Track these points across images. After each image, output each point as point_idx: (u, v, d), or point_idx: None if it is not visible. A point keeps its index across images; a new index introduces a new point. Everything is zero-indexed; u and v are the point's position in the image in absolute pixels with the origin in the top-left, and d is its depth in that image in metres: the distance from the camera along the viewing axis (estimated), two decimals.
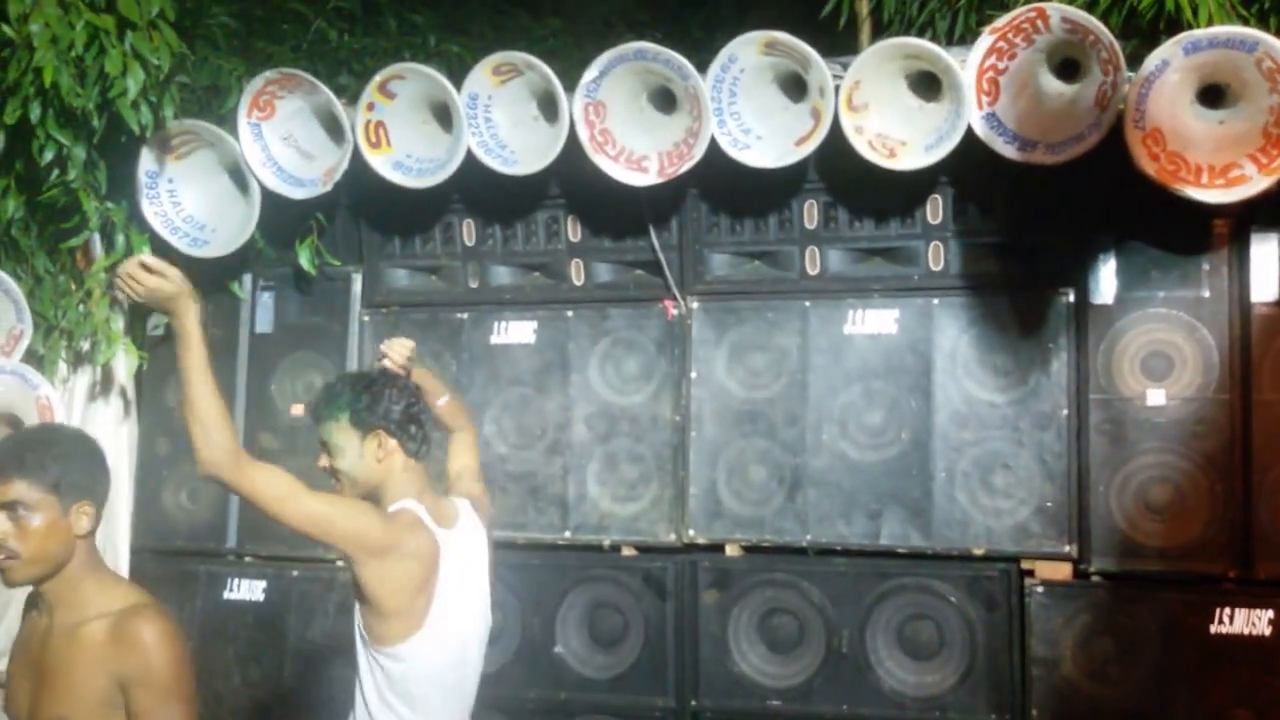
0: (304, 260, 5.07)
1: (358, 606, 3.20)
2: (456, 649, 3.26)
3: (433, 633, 3.16)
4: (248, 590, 5.12)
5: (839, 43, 4.75)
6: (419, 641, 3.13)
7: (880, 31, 5.59)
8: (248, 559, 5.18)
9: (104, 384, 5.21)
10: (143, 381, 5.38)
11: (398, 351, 3.60)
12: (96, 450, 2.91)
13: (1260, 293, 4.30)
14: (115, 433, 5.22)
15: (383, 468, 3.19)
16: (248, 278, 5.31)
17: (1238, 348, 4.33)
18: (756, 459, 4.74)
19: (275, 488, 2.97)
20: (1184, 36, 3.93)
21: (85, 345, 5.11)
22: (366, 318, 5.16)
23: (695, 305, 4.83)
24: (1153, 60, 3.95)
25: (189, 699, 2.73)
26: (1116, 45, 3.96)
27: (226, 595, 5.13)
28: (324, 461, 3.23)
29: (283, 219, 5.05)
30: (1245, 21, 4.41)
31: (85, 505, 2.76)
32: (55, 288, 5.02)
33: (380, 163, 4.72)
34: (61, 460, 2.75)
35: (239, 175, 4.96)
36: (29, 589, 2.82)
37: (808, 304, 4.72)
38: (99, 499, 2.82)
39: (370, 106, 4.67)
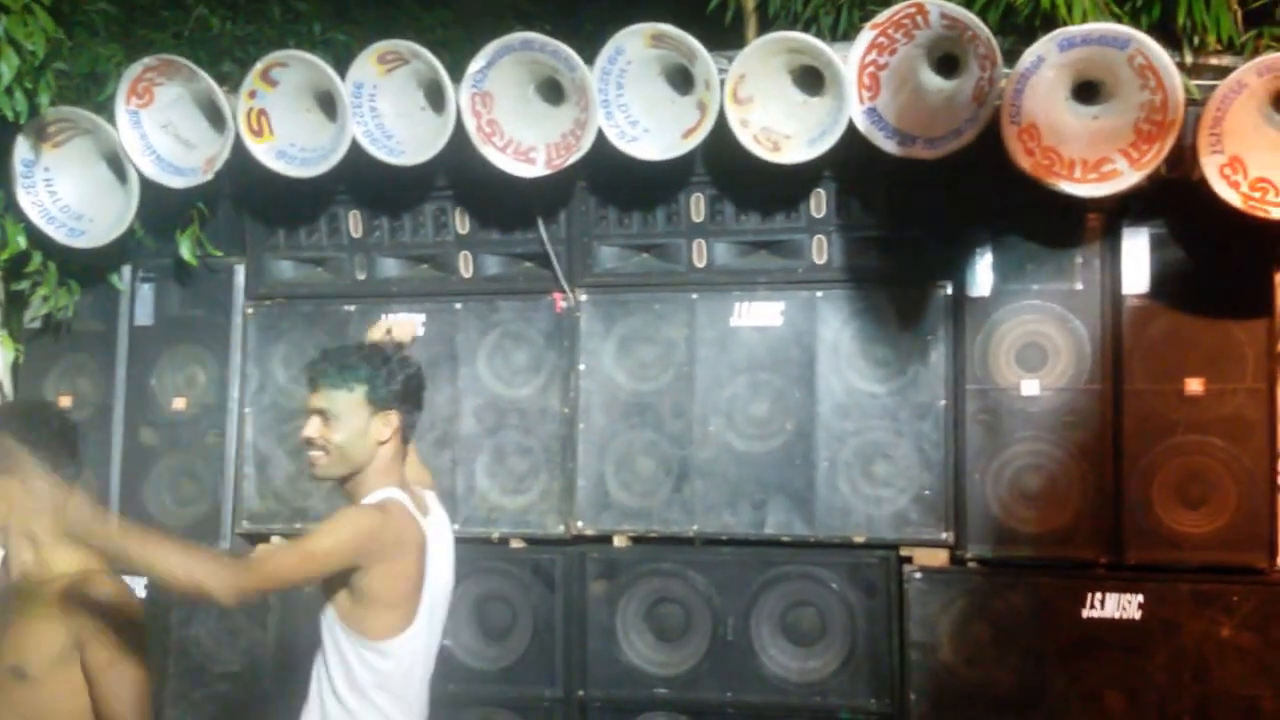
0: (185, 251, 5.03)
1: (336, 607, 3.01)
2: (435, 639, 3.20)
3: (421, 624, 3.07)
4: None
5: (726, 37, 4.81)
6: (410, 634, 3.04)
7: (766, 26, 5.66)
8: None
9: None
10: (19, 374, 5.33)
11: (406, 331, 3.47)
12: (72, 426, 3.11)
13: (1131, 285, 4.44)
14: None
15: (379, 448, 3.05)
16: (127, 269, 5.26)
17: (1109, 339, 4.46)
18: (644, 451, 4.79)
19: (289, 562, 2.91)
20: (1059, 33, 4.04)
21: None
22: (250, 310, 5.13)
23: (584, 298, 4.87)
24: (1028, 56, 4.05)
25: (142, 658, 2.87)
26: (993, 41, 4.05)
27: None
28: (314, 430, 3.03)
29: (163, 209, 5.00)
30: (1118, 19, 4.53)
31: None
32: None
33: (262, 151, 4.68)
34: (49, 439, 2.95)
35: (118, 164, 4.91)
36: None
37: (695, 296, 4.79)
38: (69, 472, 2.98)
39: (252, 94, 4.64)
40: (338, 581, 2.97)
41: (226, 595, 2.71)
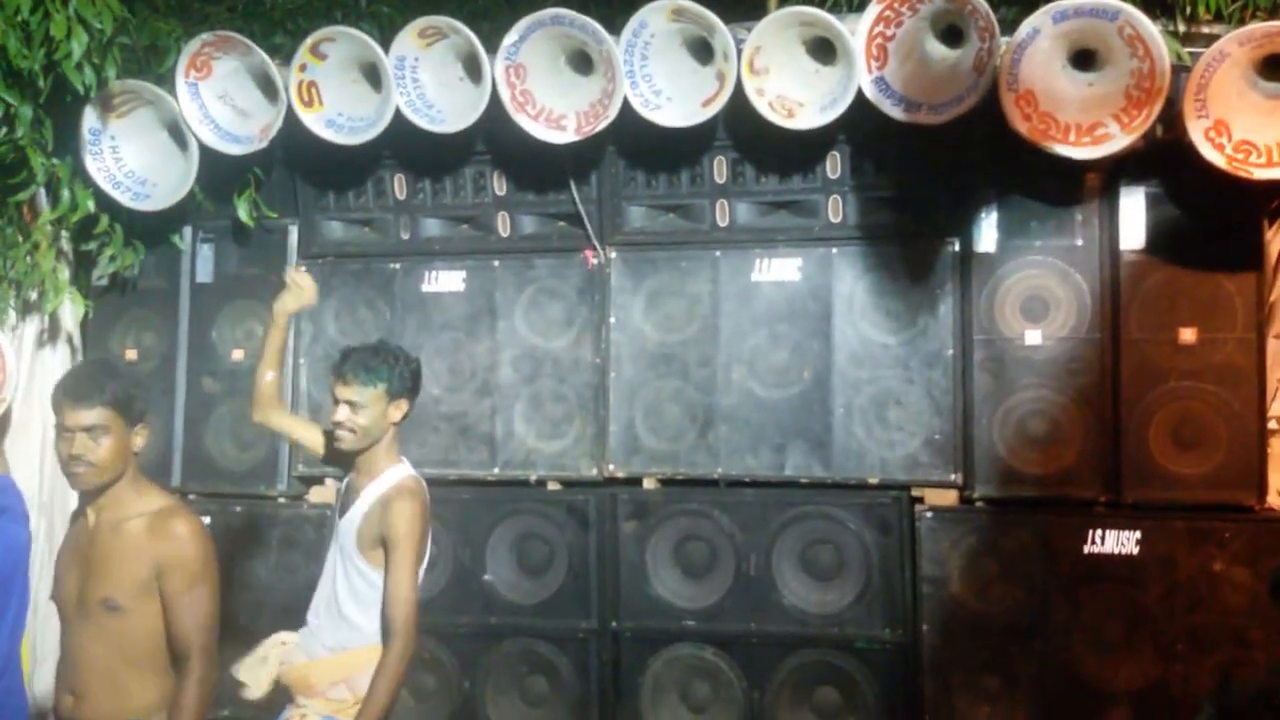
0: (242, 213, 5.22)
1: (371, 553, 3.61)
2: None
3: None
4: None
5: (747, 9, 4.92)
6: (421, 568, 3.67)
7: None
8: (191, 496, 5.32)
9: (51, 331, 5.33)
10: (88, 328, 5.51)
11: (308, 287, 4.10)
12: (143, 381, 3.46)
13: (1128, 241, 4.59)
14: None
15: (390, 426, 3.71)
16: (188, 230, 5.45)
17: (1108, 291, 4.61)
18: (671, 398, 4.98)
19: (408, 577, 3.53)
20: (1052, 6, 4.19)
21: (33, 295, 5.21)
22: (303, 268, 5.23)
23: (614, 255, 5.05)
24: (1025, 27, 4.22)
25: (214, 584, 3.19)
26: (991, 14, 4.21)
27: None
28: (343, 415, 3.65)
29: (221, 173, 5.19)
30: None
31: (142, 428, 3.23)
32: (3, 240, 5.09)
33: (313, 120, 4.88)
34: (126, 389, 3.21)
35: (178, 132, 5.10)
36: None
37: (718, 254, 4.96)
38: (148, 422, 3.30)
39: (303, 67, 4.83)
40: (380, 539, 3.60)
41: (414, 647, 3.50)
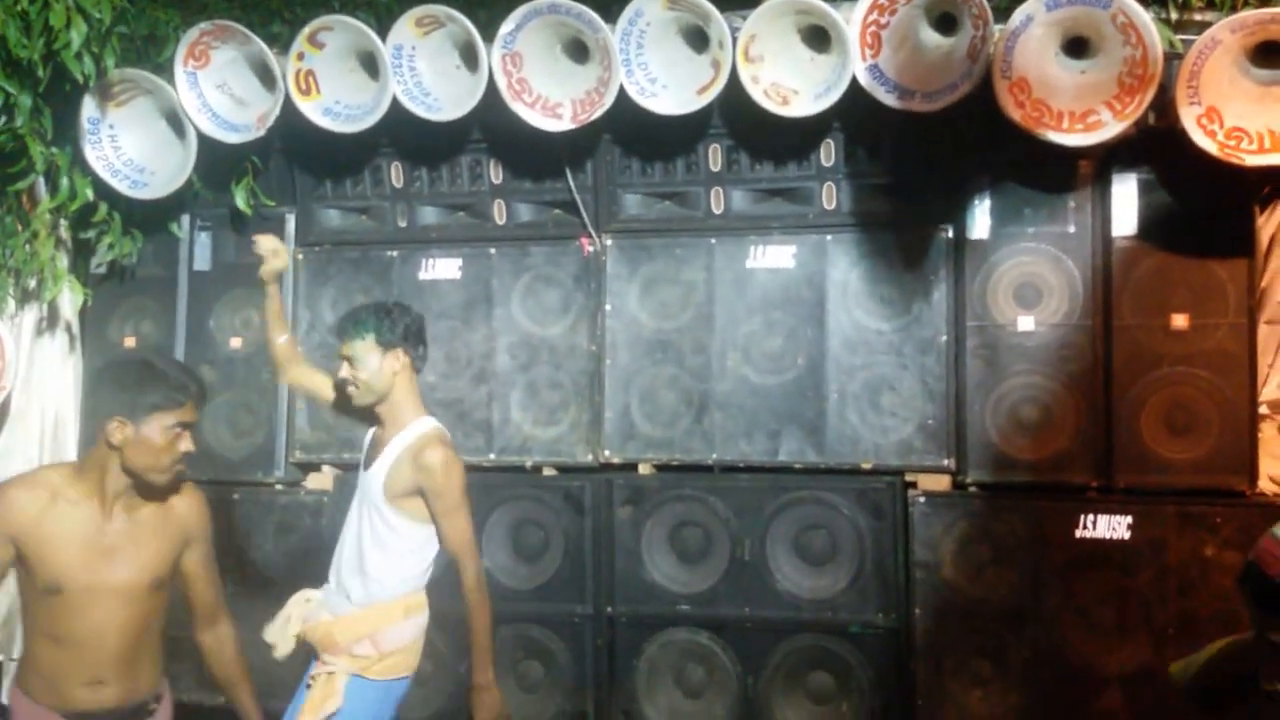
0: (240, 201, 5.24)
1: (403, 503, 3.73)
2: None
3: None
4: None
5: None
6: None
7: None
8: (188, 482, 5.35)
9: (50, 320, 5.36)
10: (87, 317, 5.53)
11: (269, 247, 4.13)
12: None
13: (1120, 227, 4.61)
14: (61, 365, 5.40)
15: (394, 379, 3.77)
16: (186, 218, 5.48)
17: (1100, 278, 4.64)
18: (666, 384, 5.01)
19: (463, 522, 3.73)
20: None
21: (32, 283, 5.24)
22: (300, 255, 5.36)
23: (609, 243, 5.08)
24: (1018, 15, 4.23)
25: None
26: (985, 1, 4.22)
27: None
28: (345, 372, 3.78)
29: (219, 162, 5.21)
30: None
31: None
32: (2, 229, 5.11)
33: (310, 109, 4.90)
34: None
35: (176, 121, 5.11)
36: None
37: (713, 241, 4.99)
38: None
39: (300, 56, 4.85)
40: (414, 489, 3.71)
41: (481, 574, 3.70)
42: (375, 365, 3.75)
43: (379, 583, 3.68)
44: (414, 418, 3.79)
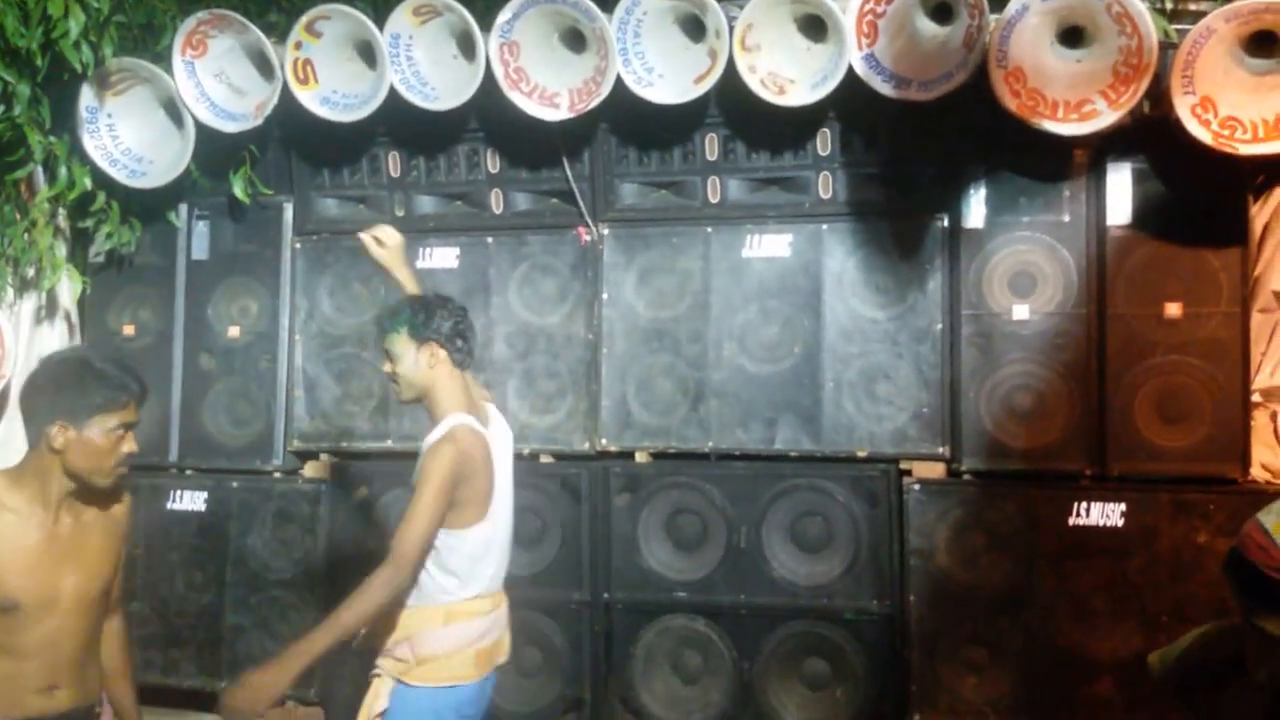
0: (238, 190, 5.26)
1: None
2: (503, 527, 3.68)
3: (492, 517, 3.59)
4: (190, 501, 5.36)
5: None
6: (483, 525, 3.54)
7: None
8: (189, 472, 5.41)
9: (49, 308, 5.38)
10: (85, 305, 5.55)
11: (389, 236, 3.98)
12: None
13: (1115, 216, 4.64)
14: None
15: (433, 374, 3.58)
16: (184, 207, 5.49)
17: (1094, 267, 4.66)
18: (663, 373, 5.03)
19: (418, 528, 3.37)
20: None
21: (31, 272, 5.26)
22: (298, 244, 5.38)
23: (606, 232, 5.09)
24: (1014, 5, 4.25)
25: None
26: None
27: (170, 506, 5.37)
28: (387, 367, 3.63)
29: (217, 151, 5.22)
30: None
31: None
32: (1, 218, 5.12)
33: (308, 98, 4.92)
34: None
35: (174, 110, 5.13)
36: None
37: (709, 230, 5.01)
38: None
39: (298, 45, 4.87)
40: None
41: (404, 581, 3.34)
42: (411, 359, 3.57)
43: (421, 586, 3.59)
44: (443, 415, 3.58)
